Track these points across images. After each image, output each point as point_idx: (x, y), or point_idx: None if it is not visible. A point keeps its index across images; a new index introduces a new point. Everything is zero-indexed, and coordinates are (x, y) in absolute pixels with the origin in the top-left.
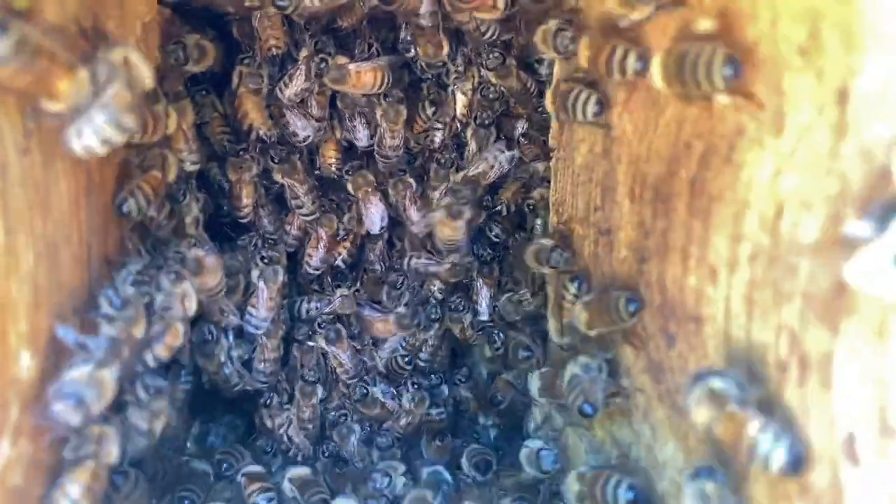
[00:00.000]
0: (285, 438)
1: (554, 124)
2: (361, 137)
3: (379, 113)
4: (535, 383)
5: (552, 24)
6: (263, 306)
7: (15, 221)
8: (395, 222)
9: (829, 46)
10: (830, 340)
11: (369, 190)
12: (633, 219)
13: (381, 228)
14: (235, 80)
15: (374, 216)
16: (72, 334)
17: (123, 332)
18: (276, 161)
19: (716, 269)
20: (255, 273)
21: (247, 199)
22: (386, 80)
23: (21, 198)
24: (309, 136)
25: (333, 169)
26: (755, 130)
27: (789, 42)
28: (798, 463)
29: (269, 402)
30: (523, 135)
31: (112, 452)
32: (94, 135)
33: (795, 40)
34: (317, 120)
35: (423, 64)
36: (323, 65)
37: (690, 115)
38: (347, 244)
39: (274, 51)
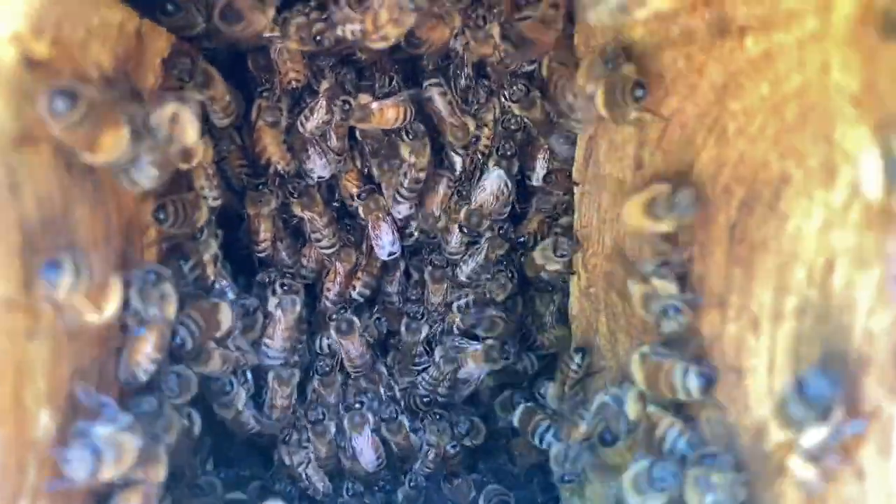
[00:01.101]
0: (304, 477)
1: (578, 157)
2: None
3: (406, 151)
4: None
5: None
6: (280, 337)
7: (35, 275)
8: (412, 252)
9: (887, 98)
10: (890, 405)
11: (380, 215)
12: None
13: (391, 255)
14: (254, 113)
15: (384, 242)
16: (92, 396)
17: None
18: (295, 195)
19: (758, 319)
20: (272, 302)
21: (265, 233)
22: (409, 115)
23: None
24: (325, 176)
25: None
26: (802, 180)
27: (841, 91)
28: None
29: (287, 438)
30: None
31: (160, 474)
32: (129, 182)
33: (848, 89)
34: (337, 153)
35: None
36: (347, 107)
37: (730, 160)
38: (362, 275)
39: (294, 84)
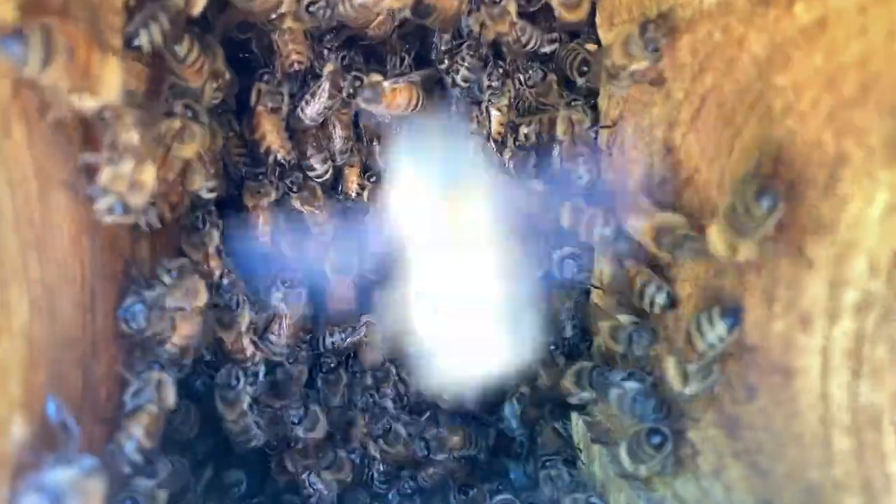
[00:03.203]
0: (307, 485)
1: (601, 143)
2: (381, 161)
3: None
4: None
5: (633, 28)
6: (284, 333)
7: (7, 269)
8: None
9: None
10: None
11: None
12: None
13: None
14: (254, 97)
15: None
16: (59, 411)
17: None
18: (294, 189)
19: (810, 316)
20: (276, 296)
21: (264, 226)
22: (420, 101)
23: (13, 241)
24: (328, 172)
25: (357, 194)
26: (863, 160)
27: None
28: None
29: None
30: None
31: (170, 398)
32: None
33: None
34: (343, 140)
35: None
36: (358, 83)
37: (777, 140)
38: None
39: (296, 66)
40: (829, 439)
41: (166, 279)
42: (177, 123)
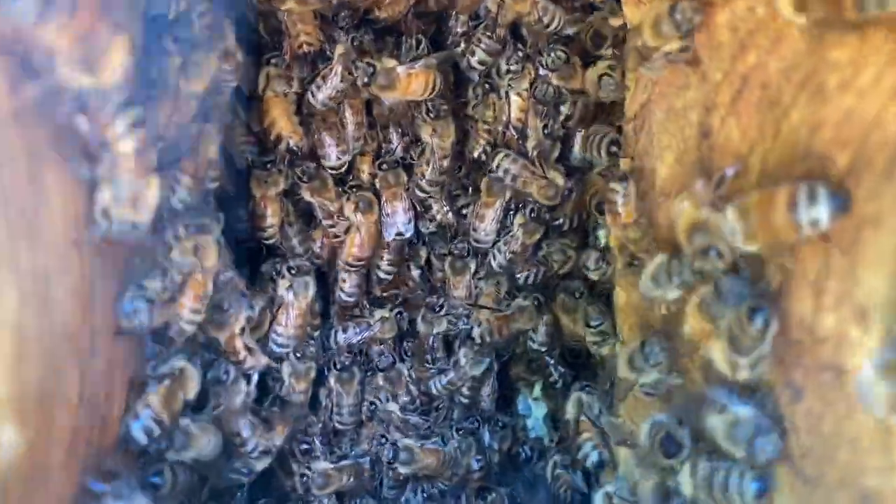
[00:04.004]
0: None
1: (627, 127)
2: (396, 147)
3: (428, 132)
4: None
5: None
6: (291, 324)
7: None
8: (435, 237)
9: None
10: None
11: (397, 191)
12: None
13: (399, 235)
14: (262, 82)
15: (397, 220)
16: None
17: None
18: (304, 179)
19: (866, 309)
20: (282, 285)
21: (272, 217)
22: (436, 86)
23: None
24: (343, 162)
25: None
26: None
27: None
28: None
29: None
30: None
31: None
32: None
33: None
34: (356, 126)
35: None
36: (371, 70)
37: (830, 119)
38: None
39: (305, 48)
40: (889, 443)
41: (181, 232)
42: (177, 61)
